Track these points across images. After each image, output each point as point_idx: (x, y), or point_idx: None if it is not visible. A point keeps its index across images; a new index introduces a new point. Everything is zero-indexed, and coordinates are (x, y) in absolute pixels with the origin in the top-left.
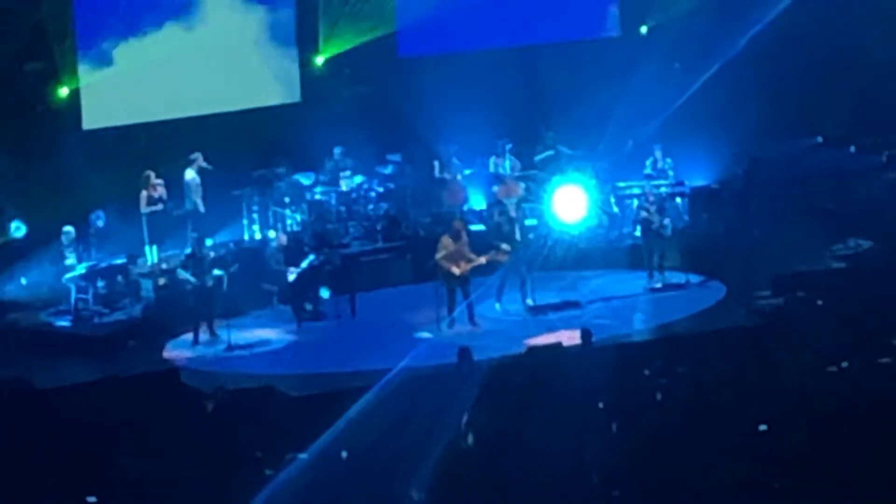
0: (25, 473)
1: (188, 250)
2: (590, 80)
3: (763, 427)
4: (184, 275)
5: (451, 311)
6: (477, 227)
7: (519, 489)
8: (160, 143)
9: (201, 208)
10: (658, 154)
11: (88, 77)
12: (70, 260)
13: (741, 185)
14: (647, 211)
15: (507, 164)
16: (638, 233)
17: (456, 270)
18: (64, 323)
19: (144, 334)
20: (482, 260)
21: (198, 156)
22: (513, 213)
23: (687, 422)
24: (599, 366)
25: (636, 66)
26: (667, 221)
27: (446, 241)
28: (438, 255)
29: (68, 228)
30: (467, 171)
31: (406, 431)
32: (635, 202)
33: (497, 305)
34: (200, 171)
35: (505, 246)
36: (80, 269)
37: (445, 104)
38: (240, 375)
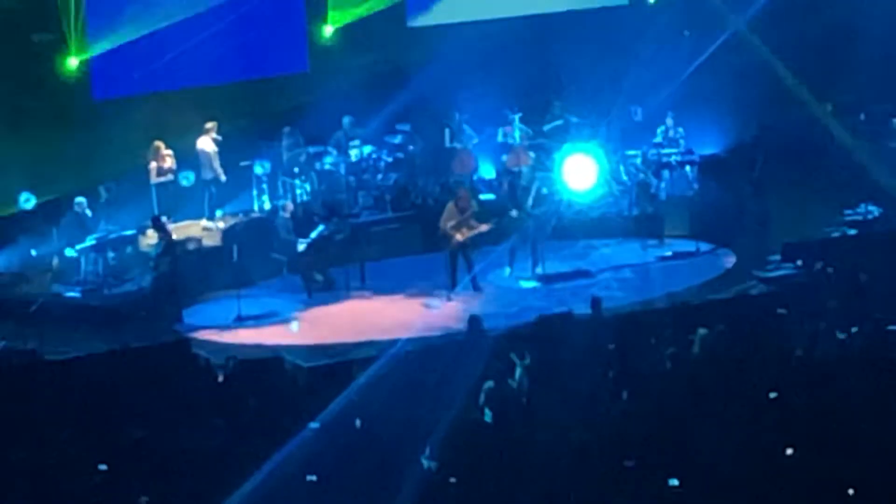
0: (38, 443)
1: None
2: (599, 48)
3: (773, 394)
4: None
5: (453, 277)
6: (487, 196)
7: (530, 458)
8: (169, 113)
9: (222, 177)
10: (670, 122)
11: (97, 47)
12: (81, 230)
13: (751, 153)
14: (644, 174)
15: (517, 132)
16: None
17: (459, 237)
18: (74, 294)
19: (155, 305)
20: (483, 227)
21: (214, 125)
22: (523, 182)
23: (697, 390)
24: (609, 334)
25: (645, 35)
26: (662, 185)
27: (451, 207)
28: (442, 222)
29: (80, 199)
30: (475, 140)
31: (416, 400)
32: (636, 165)
33: (507, 270)
34: (216, 141)
35: (514, 212)
36: (90, 241)
37: (455, 73)
38: (250, 345)
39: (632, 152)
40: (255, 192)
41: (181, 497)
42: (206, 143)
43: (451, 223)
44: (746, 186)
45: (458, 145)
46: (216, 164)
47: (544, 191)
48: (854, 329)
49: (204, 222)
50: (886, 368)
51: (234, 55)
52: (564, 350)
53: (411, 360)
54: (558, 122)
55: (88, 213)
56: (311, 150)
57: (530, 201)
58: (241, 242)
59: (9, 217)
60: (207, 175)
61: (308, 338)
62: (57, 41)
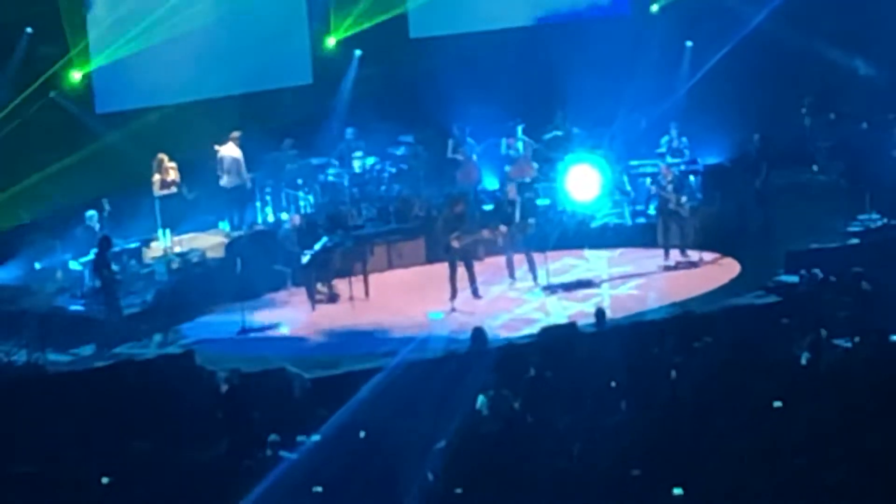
0: (40, 456)
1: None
2: (601, 58)
3: (778, 403)
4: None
5: (453, 286)
6: (489, 207)
7: (536, 468)
8: (172, 126)
9: (248, 184)
10: (674, 132)
11: (100, 60)
12: (88, 244)
13: (755, 162)
14: (664, 189)
15: (520, 144)
16: (652, 211)
17: (455, 244)
18: (77, 307)
19: (158, 318)
20: (484, 234)
21: (239, 133)
22: (511, 195)
23: (702, 400)
24: (614, 345)
25: (647, 45)
26: (684, 199)
27: (447, 215)
28: (438, 230)
29: (91, 213)
30: (478, 150)
31: (420, 412)
32: (648, 180)
33: (508, 281)
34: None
35: (503, 227)
36: (93, 254)
37: (457, 84)
38: (254, 357)
39: (635, 163)
40: (258, 204)
41: None
42: (233, 150)
43: (448, 231)
44: (750, 196)
45: (460, 157)
46: (243, 170)
47: (547, 202)
48: (857, 338)
49: (218, 233)
50: (891, 378)
51: (236, 67)
52: (568, 361)
53: (415, 371)
54: (558, 133)
55: (97, 226)
56: (314, 161)
57: (521, 213)
58: (244, 255)
59: (12, 230)
60: (232, 182)
61: (310, 348)
62: (60, 54)
